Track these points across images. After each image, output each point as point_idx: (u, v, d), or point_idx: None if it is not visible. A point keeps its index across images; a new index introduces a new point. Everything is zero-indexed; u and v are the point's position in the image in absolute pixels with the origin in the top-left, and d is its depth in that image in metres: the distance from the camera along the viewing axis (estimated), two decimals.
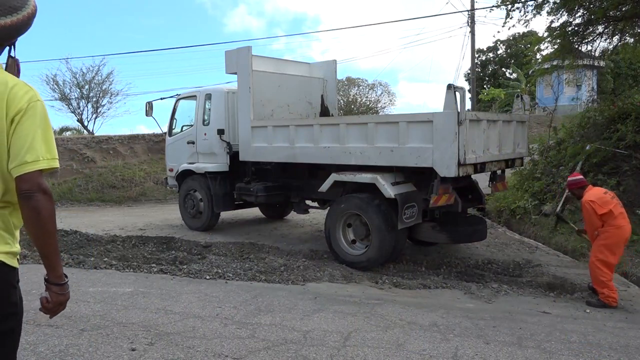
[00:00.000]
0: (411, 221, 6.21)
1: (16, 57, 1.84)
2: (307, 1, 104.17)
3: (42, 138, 1.67)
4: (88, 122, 24.23)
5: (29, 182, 1.62)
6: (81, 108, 23.82)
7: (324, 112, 9.43)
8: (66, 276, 1.80)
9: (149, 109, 9.71)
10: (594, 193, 5.21)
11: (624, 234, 5.06)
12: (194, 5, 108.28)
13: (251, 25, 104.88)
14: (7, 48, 1.81)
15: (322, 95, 9.49)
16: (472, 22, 21.68)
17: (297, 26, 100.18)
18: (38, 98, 1.70)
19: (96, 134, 21.35)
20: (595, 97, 14.40)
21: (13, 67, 1.83)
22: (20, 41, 1.83)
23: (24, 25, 1.76)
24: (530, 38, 22.88)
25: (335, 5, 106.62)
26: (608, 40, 10.67)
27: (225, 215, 10.01)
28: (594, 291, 5.25)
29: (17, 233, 1.79)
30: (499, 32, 43.65)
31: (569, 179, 5.58)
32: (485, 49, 40.38)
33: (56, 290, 1.76)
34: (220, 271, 6.08)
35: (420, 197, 6.32)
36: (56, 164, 1.72)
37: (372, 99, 30.37)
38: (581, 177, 5.54)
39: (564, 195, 7.98)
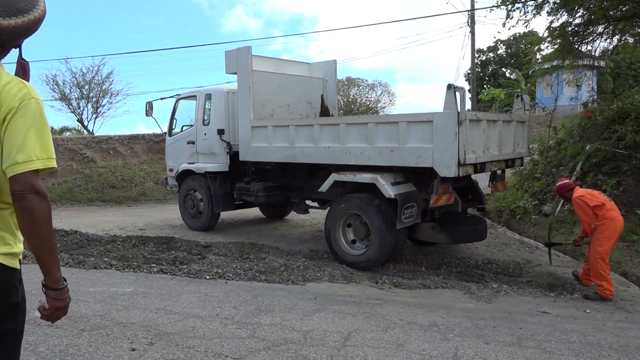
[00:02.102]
0: (410, 221, 6.21)
1: (26, 60, 1.79)
2: (304, 1, 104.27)
3: (35, 137, 1.60)
4: (88, 122, 24.32)
5: (21, 182, 1.57)
6: (81, 108, 23.89)
7: (324, 112, 9.43)
8: (65, 280, 1.73)
9: (149, 109, 9.72)
10: (582, 190, 5.61)
11: (618, 225, 5.33)
12: (192, 5, 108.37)
13: (248, 25, 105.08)
14: (17, 51, 1.77)
15: (322, 95, 9.49)
16: (472, 22, 21.68)
17: (294, 26, 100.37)
18: (32, 96, 1.63)
19: (96, 134, 21.36)
20: (595, 97, 14.39)
21: (20, 70, 1.78)
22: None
23: (29, 29, 1.71)
24: (531, 38, 22.89)
25: (332, 6, 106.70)
26: (608, 40, 10.69)
27: (225, 215, 10.01)
28: (578, 280, 5.72)
29: (20, 234, 1.74)
30: (499, 32, 43.70)
31: (556, 185, 5.95)
32: (485, 49, 40.50)
33: (53, 296, 1.70)
34: (220, 271, 6.08)
35: (420, 197, 6.32)
36: (52, 164, 1.66)
37: (372, 99, 30.39)
38: (567, 180, 5.92)
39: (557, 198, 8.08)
